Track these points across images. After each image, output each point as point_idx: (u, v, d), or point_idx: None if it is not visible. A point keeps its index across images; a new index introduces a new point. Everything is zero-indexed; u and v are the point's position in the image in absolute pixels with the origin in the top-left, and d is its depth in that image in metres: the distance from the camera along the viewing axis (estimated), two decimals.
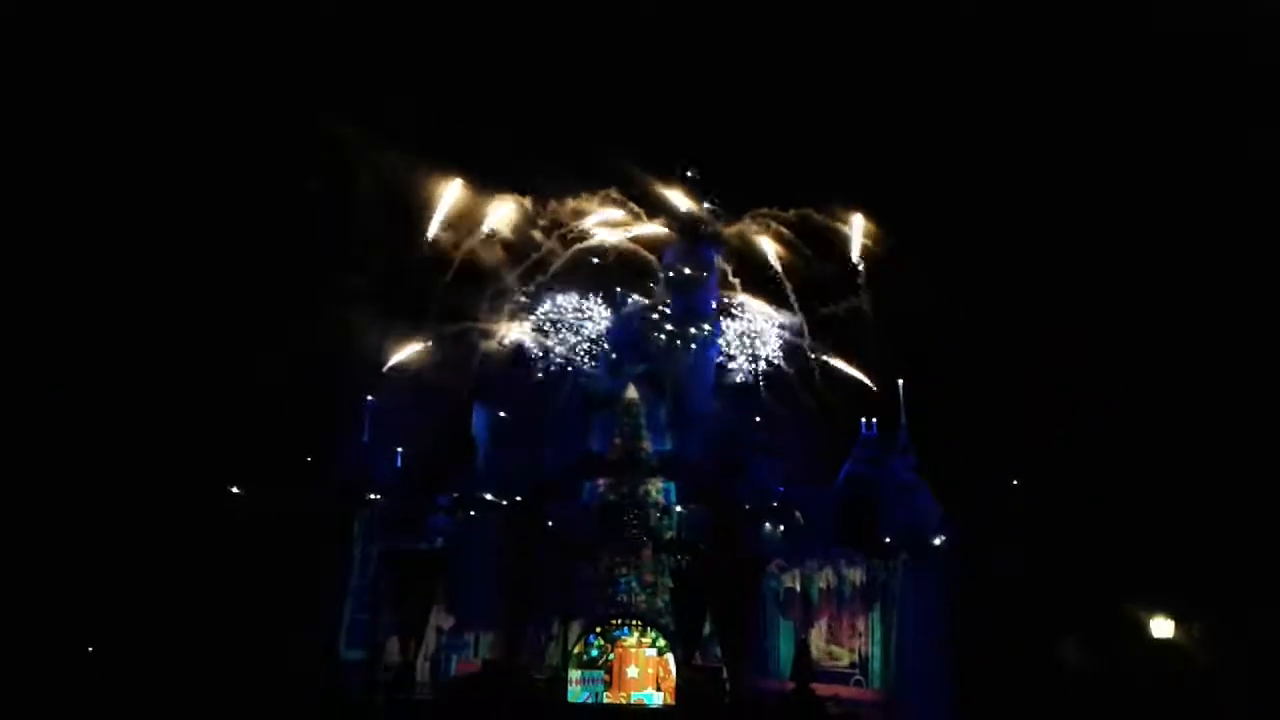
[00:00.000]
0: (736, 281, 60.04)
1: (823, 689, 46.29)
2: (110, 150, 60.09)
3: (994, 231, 59.27)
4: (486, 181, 57.73)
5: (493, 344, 57.29)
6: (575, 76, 64.42)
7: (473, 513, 51.53)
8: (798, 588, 49.86)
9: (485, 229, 57.78)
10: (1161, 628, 28.51)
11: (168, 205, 60.11)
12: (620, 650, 48.51)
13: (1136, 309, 55.74)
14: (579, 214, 59.20)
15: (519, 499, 51.42)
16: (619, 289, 59.78)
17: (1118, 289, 56.81)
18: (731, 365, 57.97)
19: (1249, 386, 50.17)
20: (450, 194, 57.35)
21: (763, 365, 57.64)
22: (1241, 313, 52.84)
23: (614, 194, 59.24)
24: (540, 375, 57.46)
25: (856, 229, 58.64)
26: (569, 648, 48.21)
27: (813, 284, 58.25)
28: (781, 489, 53.17)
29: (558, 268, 58.84)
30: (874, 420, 54.04)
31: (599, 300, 58.90)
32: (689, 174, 61.10)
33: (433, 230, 56.91)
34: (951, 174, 61.70)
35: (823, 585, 49.62)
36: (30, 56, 57.90)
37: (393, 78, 61.28)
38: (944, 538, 47.49)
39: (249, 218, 58.71)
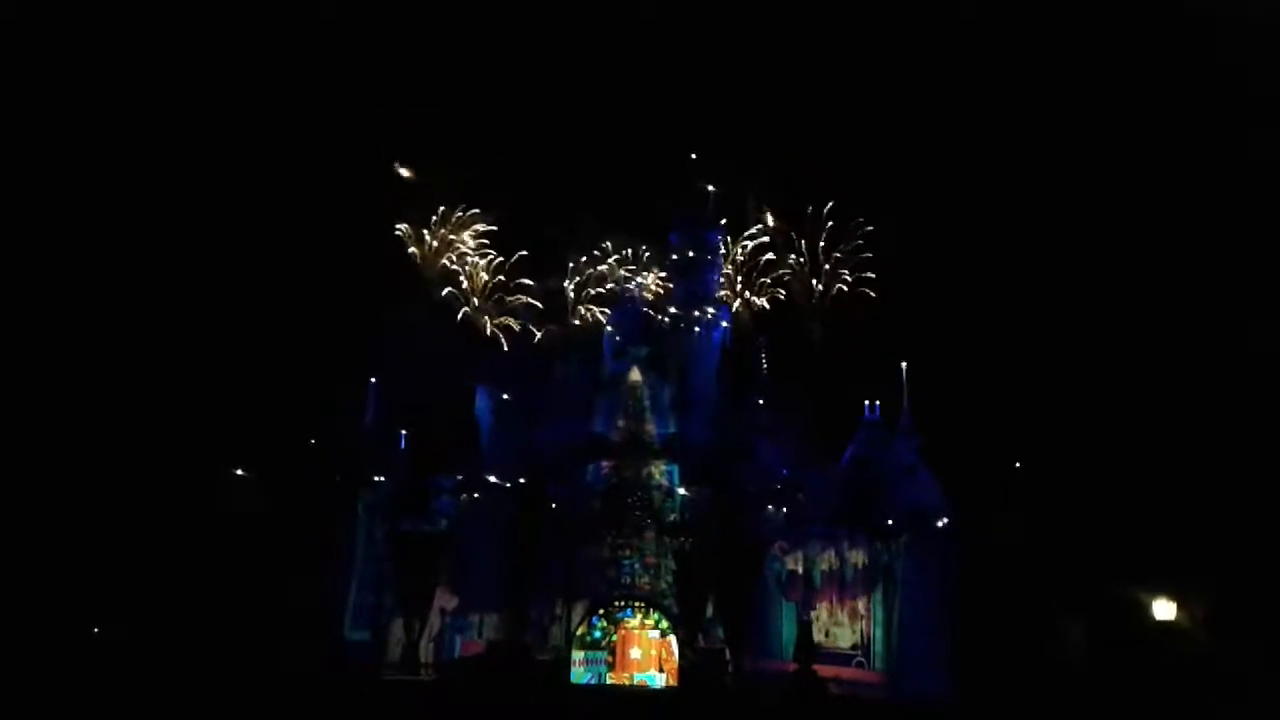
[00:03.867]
0: None
1: (825, 670, 46.51)
2: (114, 146, 60.74)
3: (995, 217, 59.22)
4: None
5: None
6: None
7: (476, 494, 51.61)
8: (800, 570, 50.03)
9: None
10: (1163, 609, 28.52)
11: (174, 194, 60.61)
12: (623, 631, 48.74)
13: (1137, 290, 55.65)
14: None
15: (522, 481, 51.49)
16: (623, 270, 60.02)
17: (1119, 272, 56.71)
18: None
19: (1251, 367, 50.06)
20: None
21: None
22: (1242, 294, 52.71)
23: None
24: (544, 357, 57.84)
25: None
26: (572, 629, 48.45)
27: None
28: (785, 471, 53.22)
29: None
30: (877, 403, 54.02)
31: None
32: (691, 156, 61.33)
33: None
34: (948, 157, 61.68)
35: (825, 567, 49.74)
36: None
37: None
38: (946, 520, 47.47)
39: (246, 205, 59.11)
